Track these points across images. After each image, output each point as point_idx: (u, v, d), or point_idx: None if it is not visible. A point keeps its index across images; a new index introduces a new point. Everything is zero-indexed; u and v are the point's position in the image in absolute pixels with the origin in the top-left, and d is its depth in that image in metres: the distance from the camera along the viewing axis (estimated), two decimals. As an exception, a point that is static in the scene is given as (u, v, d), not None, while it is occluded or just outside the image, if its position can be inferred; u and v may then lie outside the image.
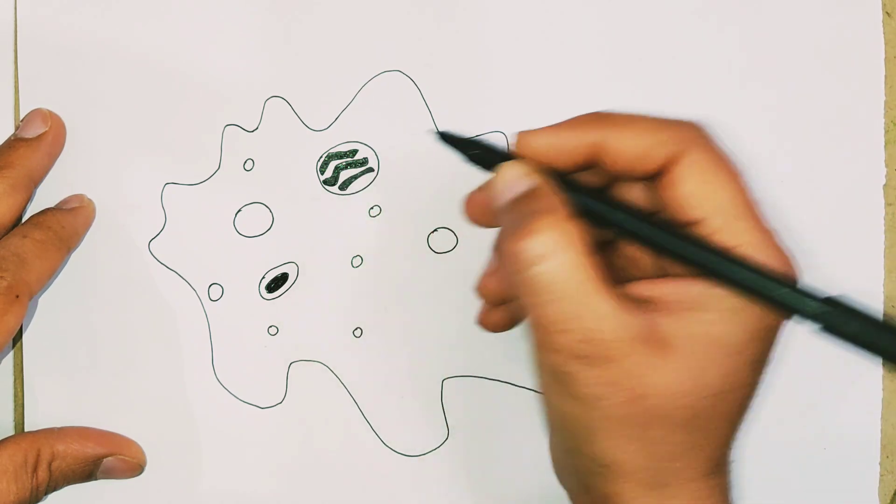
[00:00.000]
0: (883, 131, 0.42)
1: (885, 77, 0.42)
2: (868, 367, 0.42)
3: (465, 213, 0.36)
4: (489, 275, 0.37)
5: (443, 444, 0.42)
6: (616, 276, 0.34)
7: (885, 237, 0.42)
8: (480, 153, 0.35)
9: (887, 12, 0.42)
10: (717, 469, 0.34)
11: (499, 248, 0.36)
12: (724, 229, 0.32)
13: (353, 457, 0.42)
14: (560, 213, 0.32)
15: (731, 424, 0.33)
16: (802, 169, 0.42)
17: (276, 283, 0.42)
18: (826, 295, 0.31)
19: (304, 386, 0.42)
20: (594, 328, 0.31)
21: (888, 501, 0.42)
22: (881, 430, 0.42)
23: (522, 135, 0.34)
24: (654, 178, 0.34)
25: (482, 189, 0.36)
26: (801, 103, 0.42)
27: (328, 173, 0.41)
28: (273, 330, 0.42)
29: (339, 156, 0.41)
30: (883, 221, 0.42)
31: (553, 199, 0.33)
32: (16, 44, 0.41)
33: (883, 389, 0.42)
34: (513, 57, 0.41)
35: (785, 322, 0.33)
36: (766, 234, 0.33)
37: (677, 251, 0.33)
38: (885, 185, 0.42)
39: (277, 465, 0.42)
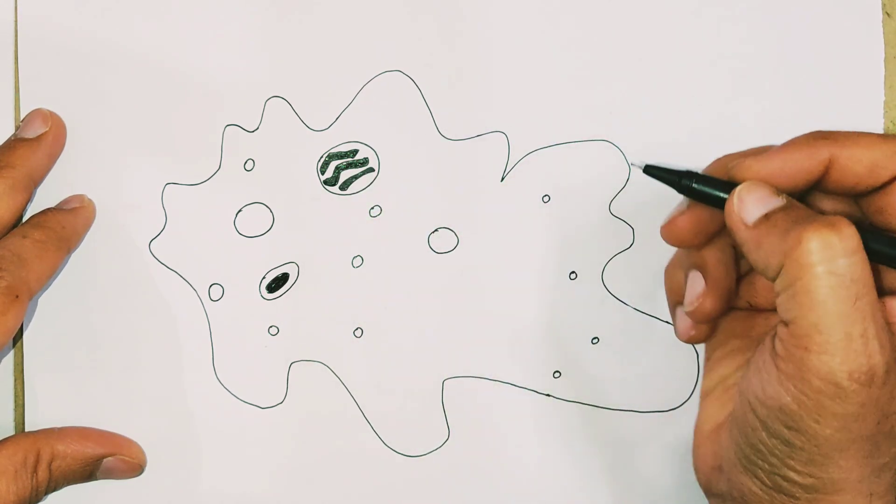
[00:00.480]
0: (883, 131, 0.42)
1: (885, 77, 0.42)
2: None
3: (667, 236, 0.36)
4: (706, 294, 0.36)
5: (443, 445, 0.42)
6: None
7: (885, 237, 0.42)
8: (696, 184, 0.35)
9: (887, 12, 0.42)
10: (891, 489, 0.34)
11: (758, 260, 0.33)
12: None
13: (354, 457, 0.42)
14: (835, 219, 0.31)
15: None
16: (802, 169, 0.42)
17: (277, 283, 0.42)
18: None
19: (305, 386, 0.42)
20: (878, 341, 0.31)
21: (888, 501, 0.42)
22: (881, 430, 0.42)
23: (745, 161, 0.34)
24: (872, 191, 0.34)
25: (687, 212, 0.36)
26: (801, 103, 0.42)
27: (329, 173, 0.41)
28: (273, 330, 0.42)
29: (340, 156, 0.41)
30: (883, 221, 0.42)
31: (813, 211, 0.33)
32: (16, 44, 0.41)
33: (883, 389, 0.42)
34: (513, 57, 0.41)
35: None
36: None
37: None
38: (884, 186, 0.42)
39: (277, 465, 0.42)
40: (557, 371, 0.42)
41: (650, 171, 0.36)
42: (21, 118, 0.40)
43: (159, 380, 0.41)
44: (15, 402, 0.41)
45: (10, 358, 0.41)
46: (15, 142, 0.40)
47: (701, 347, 0.42)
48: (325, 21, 0.41)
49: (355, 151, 0.41)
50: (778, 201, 0.33)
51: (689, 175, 0.35)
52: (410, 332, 0.42)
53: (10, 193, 0.39)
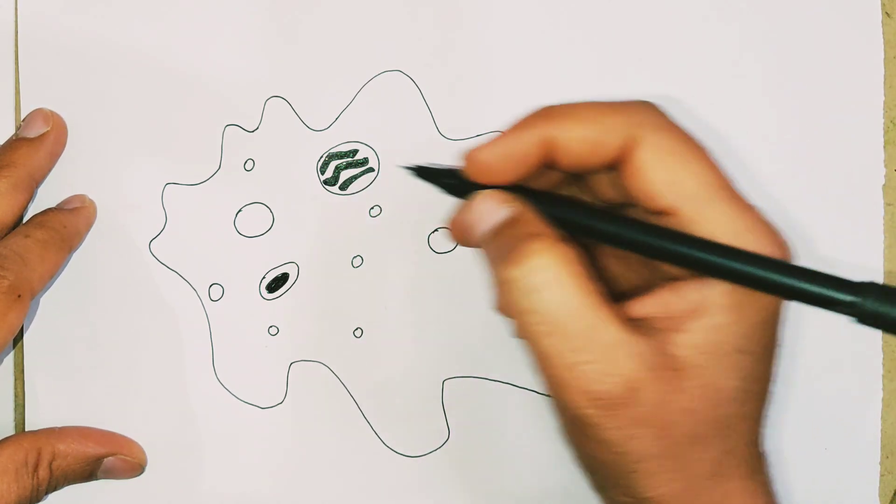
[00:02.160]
0: (882, 131, 0.42)
1: (885, 77, 0.42)
2: (868, 368, 0.42)
3: (450, 236, 0.35)
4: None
5: (443, 445, 0.42)
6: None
7: (885, 237, 0.42)
8: (456, 183, 0.34)
9: (887, 12, 0.42)
10: (756, 467, 0.32)
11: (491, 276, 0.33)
12: (701, 217, 0.30)
13: (353, 457, 0.42)
14: (551, 236, 0.30)
15: (757, 420, 0.32)
16: (802, 169, 0.42)
17: (277, 283, 0.42)
18: (856, 281, 0.29)
19: (305, 386, 0.42)
20: (609, 363, 0.29)
21: (888, 501, 0.42)
22: (881, 430, 0.42)
23: (471, 153, 0.32)
24: (616, 169, 0.32)
25: (461, 213, 0.34)
26: (801, 103, 0.42)
27: (328, 173, 0.41)
28: (273, 330, 0.42)
29: (340, 156, 0.41)
30: (883, 221, 0.42)
31: (539, 223, 0.31)
32: (16, 44, 0.41)
33: (883, 389, 0.42)
34: (513, 57, 0.41)
35: (780, 305, 0.31)
36: (749, 216, 0.31)
37: (681, 254, 0.30)
38: (884, 185, 0.42)
39: (277, 465, 0.42)
40: (557, 371, 0.42)
41: (421, 173, 0.35)
42: (22, 118, 0.40)
43: (159, 380, 0.41)
44: (15, 401, 0.41)
45: (10, 358, 0.41)
46: (16, 141, 0.40)
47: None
48: (325, 21, 0.41)
49: (355, 151, 0.41)
50: (503, 213, 0.32)
51: (447, 174, 0.34)
52: (410, 332, 0.42)
53: (12, 193, 0.39)
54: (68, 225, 0.40)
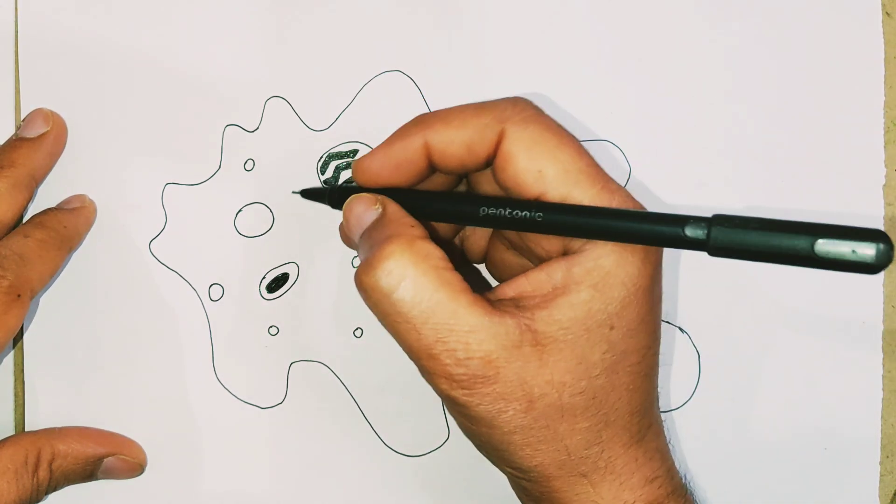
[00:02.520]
0: (883, 131, 0.42)
1: (885, 77, 0.42)
2: (868, 367, 0.42)
3: (345, 243, 0.37)
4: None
5: (443, 445, 0.42)
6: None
7: (885, 237, 0.42)
8: (339, 197, 0.36)
9: (887, 12, 0.42)
10: (642, 435, 0.34)
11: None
12: (567, 200, 0.32)
13: (353, 457, 0.42)
14: (407, 235, 0.32)
15: (638, 391, 0.33)
16: (802, 169, 0.42)
17: (277, 283, 0.42)
18: (701, 216, 0.30)
19: (305, 386, 0.42)
20: (467, 347, 0.31)
21: (888, 501, 0.42)
22: (881, 430, 0.42)
23: (358, 162, 0.35)
24: (491, 166, 0.33)
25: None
26: (801, 103, 0.42)
27: (329, 173, 0.41)
28: (273, 330, 0.42)
29: (340, 156, 0.41)
30: (883, 221, 0.42)
31: (399, 223, 0.33)
32: (16, 44, 0.41)
33: (883, 389, 0.42)
34: (513, 57, 0.41)
35: (651, 280, 0.32)
36: (616, 196, 0.32)
37: (520, 219, 0.32)
38: (884, 185, 0.42)
39: (278, 465, 0.42)
40: (557, 371, 0.42)
41: (306, 195, 0.38)
42: (22, 118, 0.40)
43: (159, 380, 0.41)
44: (15, 402, 0.41)
45: (10, 358, 0.41)
46: (16, 141, 0.40)
47: (700, 348, 0.42)
48: (325, 21, 0.41)
49: (355, 151, 0.41)
50: (372, 215, 0.34)
51: (329, 191, 0.37)
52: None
53: (12, 193, 0.39)
54: (68, 225, 0.40)
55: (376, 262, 0.31)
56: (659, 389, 0.42)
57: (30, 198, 0.40)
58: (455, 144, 0.33)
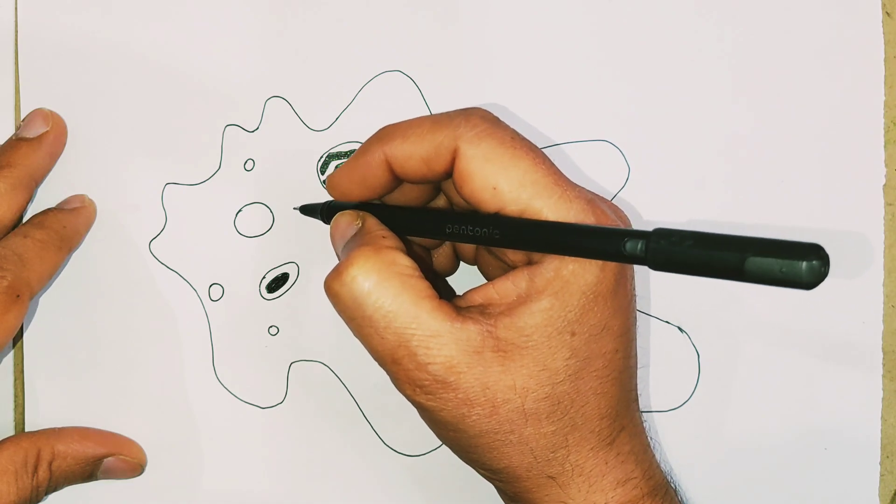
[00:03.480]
0: (883, 131, 0.42)
1: (885, 77, 0.42)
2: (868, 368, 0.42)
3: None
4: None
5: (443, 445, 0.42)
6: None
7: (885, 237, 0.42)
8: (328, 212, 0.38)
9: (887, 12, 0.42)
10: (613, 438, 0.34)
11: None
12: (526, 214, 0.32)
13: (353, 457, 0.42)
14: (375, 244, 0.33)
15: (606, 395, 0.33)
16: (802, 169, 0.42)
17: (277, 283, 0.42)
18: (641, 230, 0.30)
19: (305, 386, 0.42)
20: (428, 352, 0.32)
21: (888, 501, 0.42)
22: (881, 430, 0.42)
23: (329, 178, 0.36)
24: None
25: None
26: (801, 103, 0.42)
27: (329, 173, 0.41)
28: (273, 330, 0.42)
29: (340, 156, 0.41)
30: (883, 221, 0.42)
31: (372, 234, 0.34)
32: (16, 44, 0.41)
33: (883, 389, 0.42)
34: (513, 57, 0.41)
35: (612, 287, 0.32)
36: (575, 205, 0.32)
37: (470, 234, 0.33)
38: (885, 185, 0.42)
39: (277, 465, 0.42)
40: (557, 371, 0.42)
41: (304, 210, 0.40)
42: (21, 118, 0.40)
43: (159, 380, 0.41)
44: (15, 402, 0.41)
45: (10, 358, 0.41)
46: (16, 141, 0.40)
47: (700, 348, 0.42)
48: (325, 21, 0.41)
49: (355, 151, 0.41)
50: (353, 229, 0.35)
51: (324, 208, 0.38)
52: (410, 332, 0.42)
53: (11, 193, 0.39)
54: (68, 225, 0.40)
55: (343, 269, 0.32)
56: (654, 388, 0.42)
57: (29, 198, 0.40)
58: (413, 159, 0.33)
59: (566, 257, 0.32)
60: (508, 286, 0.33)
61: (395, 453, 0.42)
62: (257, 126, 0.41)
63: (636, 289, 0.35)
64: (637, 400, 0.36)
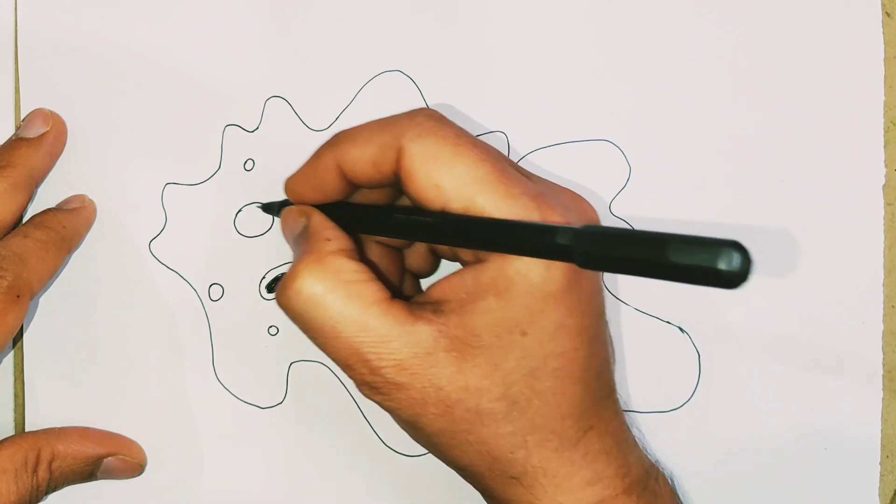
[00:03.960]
0: (883, 131, 0.42)
1: (885, 77, 0.42)
2: (868, 368, 0.42)
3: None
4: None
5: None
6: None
7: (885, 237, 0.42)
8: (279, 209, 0.38)
9: (887, 12, 0.42)
10: (578, 438, 0.33)
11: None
12: (470, 211, 0.32)
13: (353, 457, 0.42)
14: (317, 252, 0.33)
15: (566, 395, 0.33)
16: (802, 169, 0.42)
17: (277, 282, 0.41)
18: (572, 227, 0.30)
19: (305, 386, 0.42)
20: (379, 356, 0.32)
21: (888, 501, 0.42)
22: (881, 430, 0.42)
23: (285, 182, 0.36)
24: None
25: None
26: (801, 103, 0.42)
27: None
28: (273, 330, 0.42)
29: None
30: (883, 221, 0.42)
31: (315, 238, 0.34)
32: (16, 44, 0.41)
33: (883, 389, 0.42)
34: (513, 57, 0.41)
35: (563, 285, 0.32)
36: (519, 201, 0.31)
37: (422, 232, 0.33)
38: (884, 185, 0.42)
39: (278, 465, 0.42)
40: (557, 371, 0.42)
41: (266, 209, 0.40)
42: (21, 118, 0.40)
43: (159, 380, 0.41)
44: (15, 402, 0.41)
45: (10, 358, 0.41)
46: (16, 141, 0.40)
47: (700, 348, 0.42)
48: (325, 21, 0.41)
49: (355, 151, 0.41)
50: (300, 226, 0.35)
51: (280, 206, 0.39)
52: (410, 332, 0.42)
53: (11, 193, 0.39)
54: (68, 225, 0.40)
55: (288, 283, 0.33)
56: (655, 388, 0.42)
57: (29, 198, 0.40)
58: (361, 163, 0.33)
59: (510, 256, 0.31)
60: (458, 283, 0.32)
61: (395, 453, 0.42)
62: (257, 126, 0.41)
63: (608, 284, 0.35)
64: (610, 397, 0.35)
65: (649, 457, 0.37)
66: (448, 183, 0.32)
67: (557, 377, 0.32)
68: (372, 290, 0.33)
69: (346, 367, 0.33)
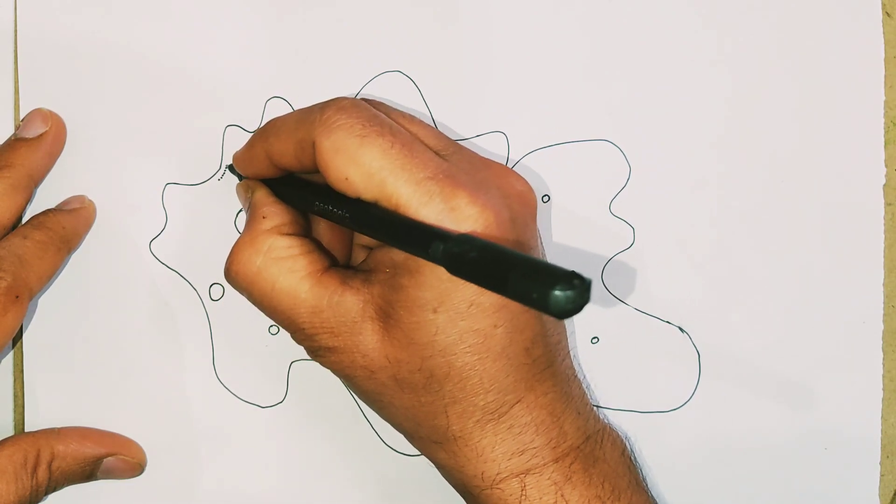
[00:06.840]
0: (883, 131, 0.42)
1: (885, 77, 0.42)
2: (868, 367, 0.42)
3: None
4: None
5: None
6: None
7: (885, 237, 0.42)
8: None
9: (887, 12, 0.42)
10: (503, 411, 0.34)
11: None
12: (384, 201, 0.32)
13: (353, 456, 0.42)
14: (252, 232, 0.35)
15: (487, 371, 0.33)
16: (803, 169, 0.42)
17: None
18: (447, 232, 0.30)
19: (305, 385, 0.42)
20: (312, 325, 0.34)
21: (888, 501, 0.42)
22: (881, 430, 0.42)
23: (234, 158, 0.39)
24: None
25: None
26: (801, 103, 0.42)
27: None
28: (274, 329, 0.42)
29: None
30: (883, 221, 0.42)
31: (253, 215, 0.36)
32: (16, 44, 0.41)
33: (883, 389, 0.42)
34: (513, 57, 0.41)
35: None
36: (425, 186, 0.32)
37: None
38: (885, 185, 0.42)
39: (278, 465, 0.42)
40: (557, 371, 0.42)
41: (231, 169, 0.41)
42: (21, 118, 0.40)
43: (159, 379, 0.41)
44: (15, 402, 0.41)
45: (10, 358, 0.41)
46: (15, 142, 0.40)
47: (700, 348, 0.42)
48: (325, 21, 0.41)
49: (355, 151, 0.41)
50: (246, 201, 0.38)
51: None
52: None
53: (10, 193, 0.39)
54: (67, 226, 0.40)
55: (228, 264, 0.36)
56: (655, 388, 0.42)
57: (28, 198, 0.40)
58: (286, 156, 0.35)
59: None
60: (387, 257, 0.34)
61: (395, 453, 0.42)
62: (257, 126, 0.41)
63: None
64: (548, 369, 0.35)
65: (601, 421, 0.37)
66: (355, 175, 0.33)
67: (476, 353, 0.33)
68: (303, 264, 0.35)
69: (292, 333, 0.35)
